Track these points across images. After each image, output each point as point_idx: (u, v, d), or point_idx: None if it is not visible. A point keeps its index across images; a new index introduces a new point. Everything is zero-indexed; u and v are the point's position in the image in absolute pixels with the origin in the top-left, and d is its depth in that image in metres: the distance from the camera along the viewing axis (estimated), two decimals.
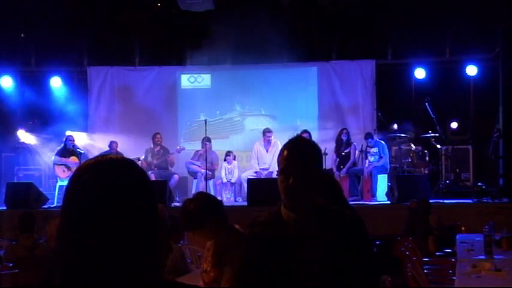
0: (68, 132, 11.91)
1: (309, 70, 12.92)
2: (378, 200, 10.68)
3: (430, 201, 8.49)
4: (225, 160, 11.83)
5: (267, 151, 11.65)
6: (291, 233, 2.23)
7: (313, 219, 2.25)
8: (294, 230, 2.23)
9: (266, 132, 11.71)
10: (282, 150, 2.34)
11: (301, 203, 2.28)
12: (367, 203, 10.52)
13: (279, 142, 11.83)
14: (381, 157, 10.99)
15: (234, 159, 11.97)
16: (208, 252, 3.59)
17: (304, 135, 11.36)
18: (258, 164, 11.66)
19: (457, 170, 11.52)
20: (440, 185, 10.94)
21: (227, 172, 11.76)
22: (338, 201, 3.83)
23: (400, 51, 12.51)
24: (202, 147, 11.61)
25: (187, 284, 1.44)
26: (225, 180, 11.73)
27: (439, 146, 11.36)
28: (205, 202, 3.58)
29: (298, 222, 2.25)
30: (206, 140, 11.50)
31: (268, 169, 11.50)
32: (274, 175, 11.20)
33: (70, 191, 1.35)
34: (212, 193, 11.41)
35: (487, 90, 11.82)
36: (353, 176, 11.08)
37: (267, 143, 11.63)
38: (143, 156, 11.66)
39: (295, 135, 2.47)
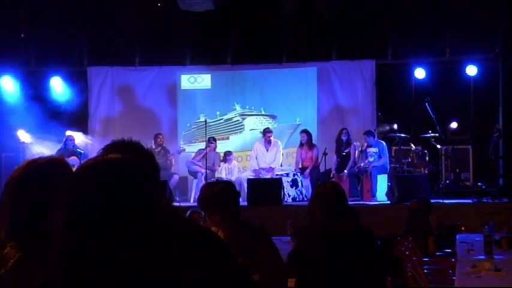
0: (68, 132, 11.91)
1: (309, 70, 12.91)
2: (378, 200, 10.68)
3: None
4: (225, 161, 11.84)
5: (267, 150, 11.68)
6: None
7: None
8: None
9: (266, 132, 11.74)
10: None
11: None
12: (367, 203, 10.52)
13: (279, 142, 11.86)
14: (380, 157, 10.99)
15: (234, 158, 12.00)
16: None
17: (303, 135, 11.40)
18: (258, 163, 11.68)
19: (457, 170, 11.52)
20: (440, 185, 10.94)
21: (227, 172, 11.77)
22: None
23: (400, 51, 12.50)
24: (206, 147, 11.62)
25: None
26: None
27: (439, 146, 11.36)
28: (228, 187, 3.65)
29: None
30: (212, 140, 11.57)
31: (267, 168, 11.51)
32: (274, 174, 11.24)
33: (70, 192, 1.35)
34: None
35: (487, 90, 11.81)
36: (353, 176, 11.08)
37: (268, 142, 11.66)
38: None
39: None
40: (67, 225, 1.33)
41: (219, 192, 3.57)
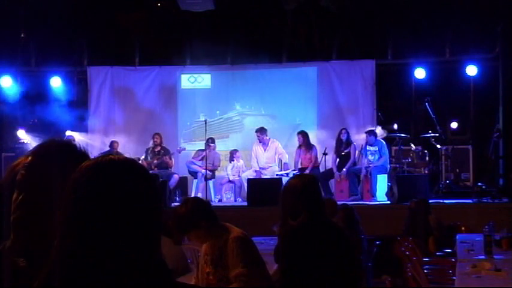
0: (68, 133, 11.91)
1: (309, 70, 12.91)
2: (378, 200, 10.67)
3: (430, 201, 8.49)
4: (232, 159, 11.88)
5: (264, 150, 11.69)
6: None
7: None
8: None
9: (256, 132, 11.74)
10: None
11: None
12: (367, 203, 10.52)
13: (276, 141, 11.83)
14: (380, 156, 10.99)
15: (240, 156, 12.06)
16: (207, 256, 3.61)
17: (299, 136, 11.39)
18: (258, 164, 11.68)
19: (457, 170, 11.52)
20: (440, 185, 10.93)
21: (234, 171, 11.78)
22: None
23: (400, 51, 12.50)
24: (205, 148, 11.64)
25: (189, 284, 1.44)
26: (231, 177, 11.75)
27: (439, 146, 11.36)
28: (195, 204, 3.63)
29: None
30: (210, 142, 11.57)
31: (267, 168, 11.52)
32: (274, 174, 11.24)
33: (71, 192, 1.35)
34: (212, 193, 11.46)
35: (487, 90, 11.82)
36: (353, 176, 11.07)
37: (263, 143, 11.64)
38: (143, 156, 11.67)
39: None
40: (66, 225, 1.33)
41: (182, 215, 3.57)
